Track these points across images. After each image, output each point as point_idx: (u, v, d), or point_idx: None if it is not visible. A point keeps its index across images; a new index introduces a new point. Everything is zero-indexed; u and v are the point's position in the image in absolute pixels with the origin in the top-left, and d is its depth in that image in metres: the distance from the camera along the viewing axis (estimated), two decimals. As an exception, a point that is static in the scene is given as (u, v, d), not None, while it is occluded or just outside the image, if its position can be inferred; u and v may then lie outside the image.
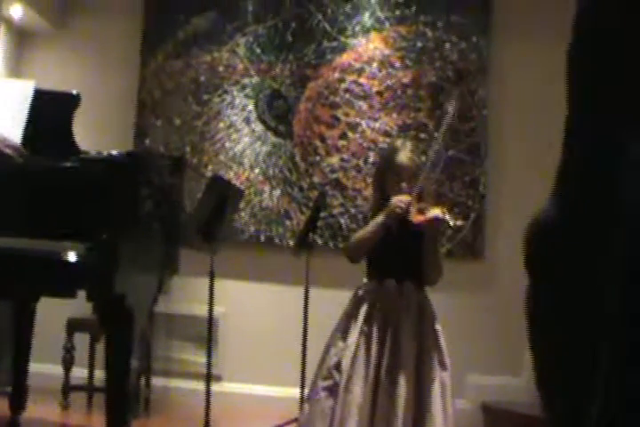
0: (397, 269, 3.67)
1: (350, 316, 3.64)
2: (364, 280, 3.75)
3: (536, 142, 5.79)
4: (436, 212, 3.51)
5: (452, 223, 3.58)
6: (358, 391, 3.45)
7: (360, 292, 3.69)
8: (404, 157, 3.69)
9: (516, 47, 6.14)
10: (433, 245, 3.68)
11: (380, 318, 3.56)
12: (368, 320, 3.57)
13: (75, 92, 3.82)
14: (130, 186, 3.33)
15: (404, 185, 3.64)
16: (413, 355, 3.50)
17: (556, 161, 1.01)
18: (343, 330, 3.62)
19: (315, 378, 3.68)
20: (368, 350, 3.52)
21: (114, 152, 3.56)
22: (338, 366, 3.52)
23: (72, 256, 3.13)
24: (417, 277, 3.68)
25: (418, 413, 3.45)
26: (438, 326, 3.65)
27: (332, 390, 3.50)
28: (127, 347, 3.30)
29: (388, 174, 3.73)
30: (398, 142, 4.05)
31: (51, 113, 3.68)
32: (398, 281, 3.64)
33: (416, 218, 3.60)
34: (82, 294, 3.21)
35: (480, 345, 5.90)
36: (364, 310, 3.60)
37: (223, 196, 4.72)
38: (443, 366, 3.57)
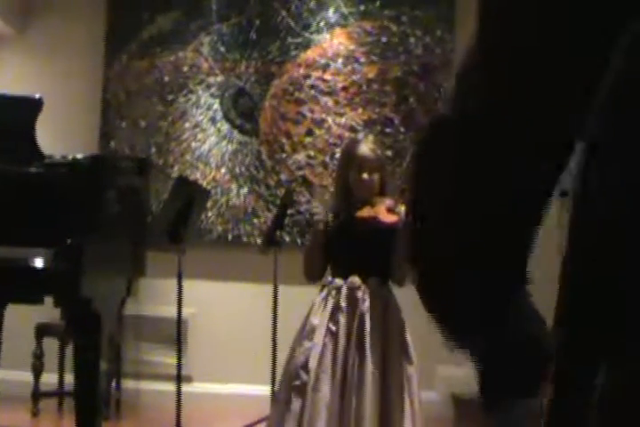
0: (362, 265, 3.67)
1: (316, 314, 3.63)
2: (329, 278, 3.74)
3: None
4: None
5: None
6: (326, 390, 3.45)
7: (325, 290, 3.69)
8: (365, 148, 3.69)
9: (480, 41, 6.14)
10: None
11: (345, 315, 3.56)
12: (334, 318, 3.56)
13: (37, 95, 3.80)
14: (94, 190, 3.32)
15: (365, 176, 3.64)
16: (379, 351, 3.51)
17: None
18: (309, 329, 3.62)
19: (282, 378, 3.67)
20: (335, 348, 3.52)
21: (78, 156, 3.55)
22: (305, 366, 3.51)
23: (38, 262, 3.12)
24: (381, 272, 3.67)
25: (385, 409, 3.46)
26: (403, 320, 3.65)
27: (301, 390, 3.49)
28: (96, 351, 3.29)
29: (349, 166, 3.72)
30: (360, 135, 4.06)
31: (13, 117, 3.65)
32: (363, 277, 3.63)
33: (387, 217, 3.61)
34: (50, 299, 3.20)
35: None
36: (329, 308, 3.60)
37: (189, 196, 4.72)
38: (408, 360, 3.57)
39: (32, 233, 3.17)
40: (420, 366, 3.65)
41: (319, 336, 3.55)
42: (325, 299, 3.64)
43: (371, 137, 3.90)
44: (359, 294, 3.59)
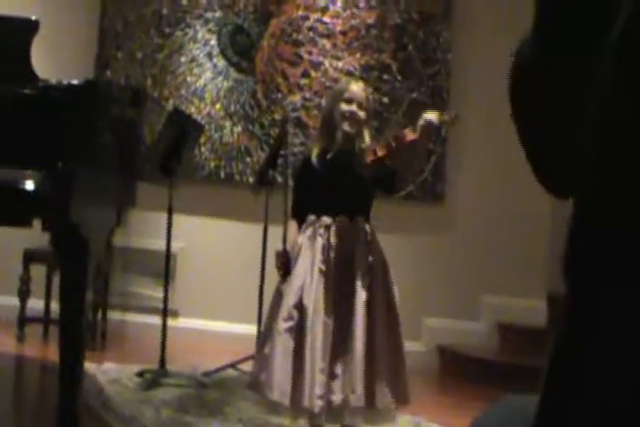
0: (349, 203, 3.64)
1: (305, 254, 3.59)
2: (312, 217, 3.67)
3: (501, 87, 5.76)
4: (430, 117, 3.49)
5: (447, 118, 3.58)
6: (319, 331, 3.43)
7: (310, 228, 3.62)
8: (356, 86, 3.72)
9: (483, -11, 6.09)
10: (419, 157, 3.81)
11: (335, 252, 3.54)
12: (324, 257, 3.53)
13: (33, 17, 3.75)
14: (88, 115, 3.28)
15: (353, 108, 3.62)
16: (366, 288, 3.50)
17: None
18: (300, 269, 3.56)
19: (270, 319, 3.62)
20: (326, 288, 3.50)
21: (74, 81, 3.50)
22: (299, 306, 3.48)
23: (28, 184, 3.09)
24: (366, 212, 3.66)
25: (369, 347, 3.46)
26: (385, 258, 3.65)
27: (293, 330, 3.46)
28: (82, 278, 3.26)
29: (338, 99, 3.69)
30: (350, 78, 4.09)
31: (8, 38, 3.60)
32: (350, 216, 3.60)
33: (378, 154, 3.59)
34: (39, 225, 3.18)
35: (438, 288, 5.94)
36: (319, 247, 3.56)
37: (183, 129, 4.68)
38: (390, 292, 3.59)
39: (23, 155, 3.13)
40: (406, 318, 3.66)
41: (311, 276, 3.52)
42: (313, 237, 3.60)
43: (361, 82, 3.91)
44: (347, 232, 3.58)
